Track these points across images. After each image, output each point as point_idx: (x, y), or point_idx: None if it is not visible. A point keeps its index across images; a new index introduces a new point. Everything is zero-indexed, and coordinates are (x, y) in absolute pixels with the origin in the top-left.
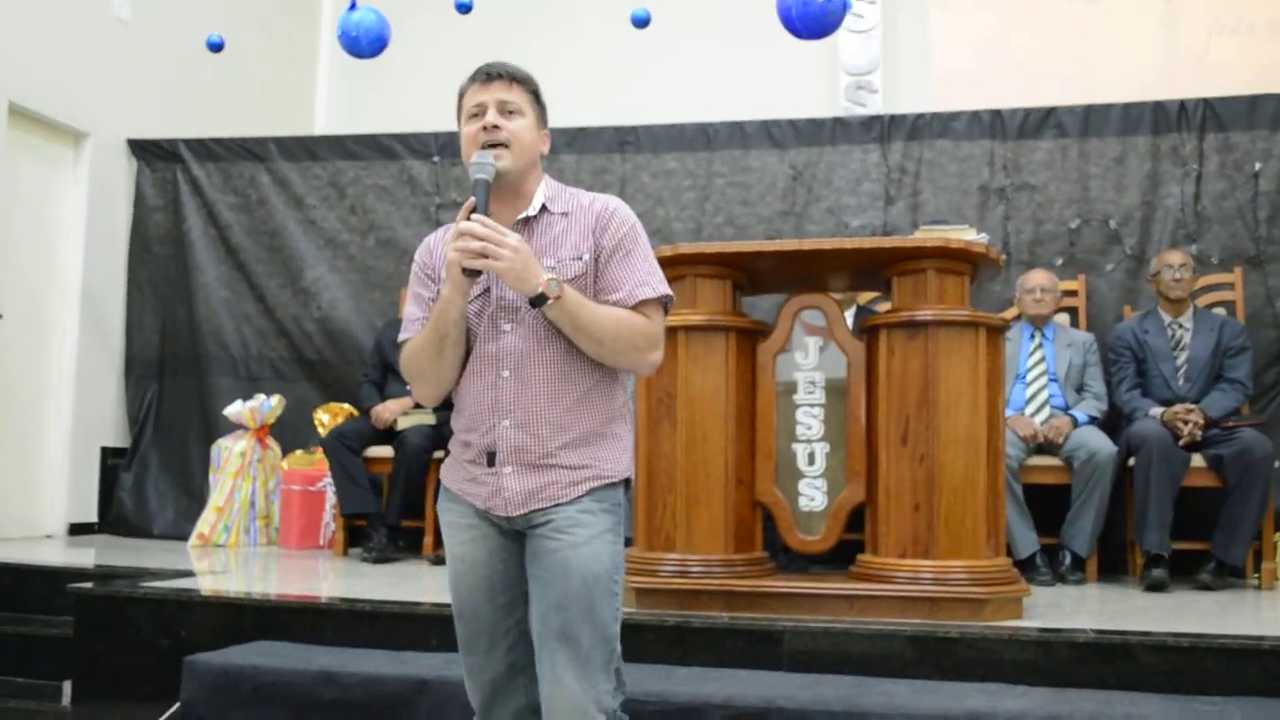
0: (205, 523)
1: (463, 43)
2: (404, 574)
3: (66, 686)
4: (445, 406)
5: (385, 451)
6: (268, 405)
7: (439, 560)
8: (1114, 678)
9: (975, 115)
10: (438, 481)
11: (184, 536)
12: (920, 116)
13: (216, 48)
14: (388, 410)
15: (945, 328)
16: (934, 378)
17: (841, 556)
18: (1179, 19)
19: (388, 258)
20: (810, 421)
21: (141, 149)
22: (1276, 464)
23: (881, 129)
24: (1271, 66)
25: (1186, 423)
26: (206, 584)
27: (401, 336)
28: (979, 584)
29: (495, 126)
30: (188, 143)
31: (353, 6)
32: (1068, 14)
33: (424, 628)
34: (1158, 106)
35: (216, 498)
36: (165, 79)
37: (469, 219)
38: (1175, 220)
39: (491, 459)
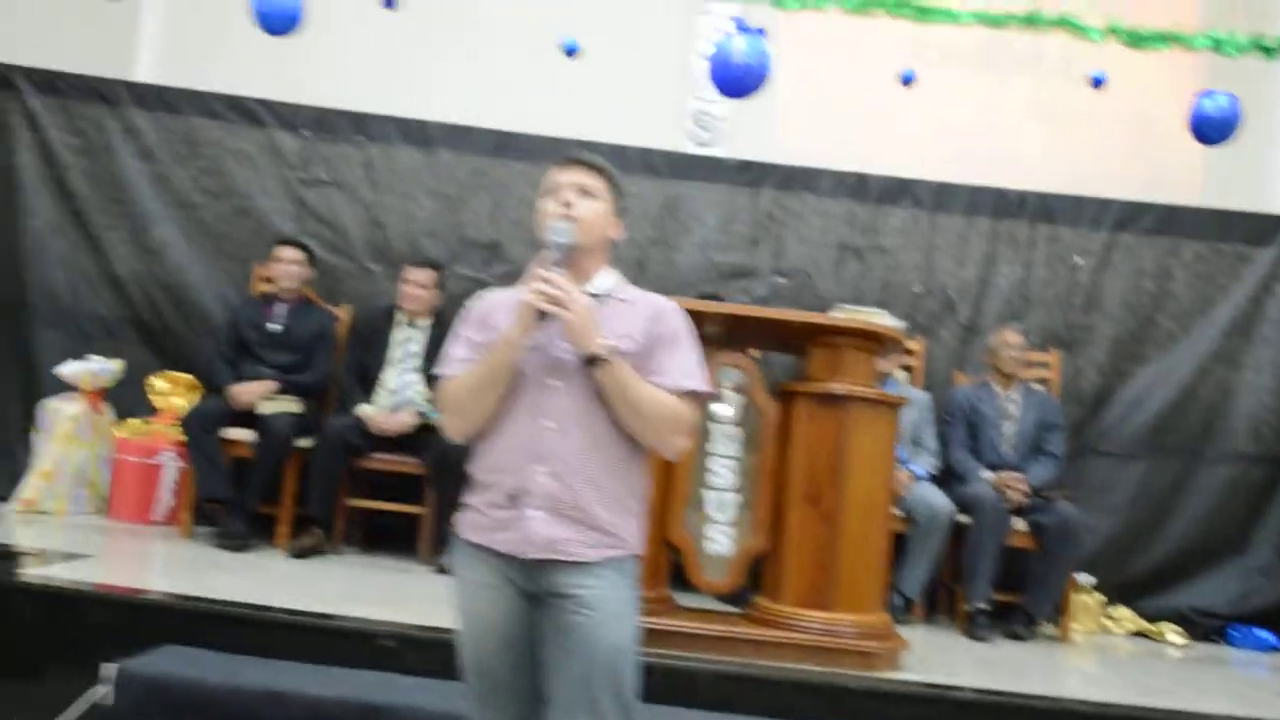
0: (31, 488)
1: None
2: (274, 570)
3: None
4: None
5: (242, 434)
6: (107, 369)
7: (300, 553)
8: None
9: (840, 176)
10: (300, 469)
11: None
12: (793, 168)
13: None
14: (248, 392)
15: (857, 402)
16: (844, 445)
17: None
18: (998, 107)
19: (244, 227)
20: (723, 472)
21: None
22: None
23: (754, 174)
24: (1088, 162)
25: (1014, 489)
26: (96, 573)
27: (445, 371)
28: (868, 637)
29: (568, 204)
30: (27, 71)
31: None
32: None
33: (337, 641)
34: (1000, 194)
35: (44, 463)
36: None
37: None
38: (1005, 299)
39: (516, 500)
